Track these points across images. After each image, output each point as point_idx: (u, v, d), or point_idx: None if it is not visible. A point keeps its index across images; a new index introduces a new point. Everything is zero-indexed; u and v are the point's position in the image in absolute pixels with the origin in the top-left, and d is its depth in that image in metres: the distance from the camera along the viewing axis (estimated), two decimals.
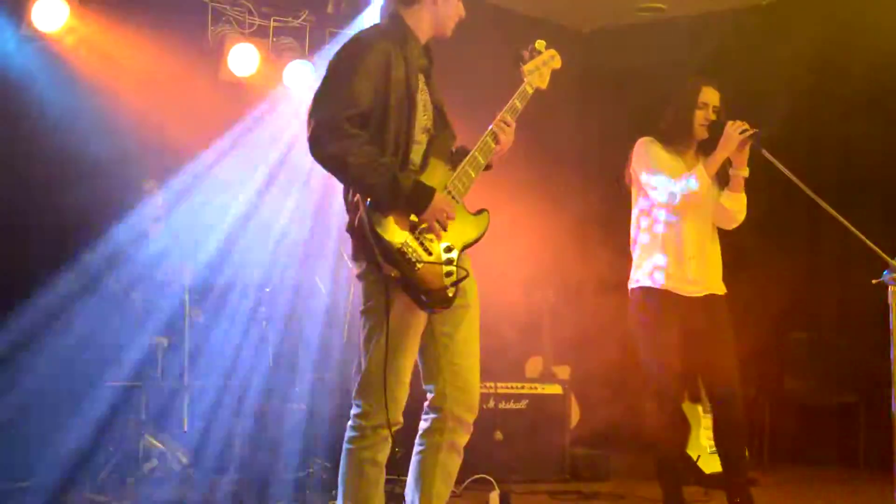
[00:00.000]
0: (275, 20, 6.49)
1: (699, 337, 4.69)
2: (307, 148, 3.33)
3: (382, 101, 3.37)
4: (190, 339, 5.72)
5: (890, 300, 4.20)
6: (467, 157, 3.53)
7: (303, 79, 6.52)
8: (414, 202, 3.32)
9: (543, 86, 3.78)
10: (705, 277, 4.73)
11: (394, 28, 3.51)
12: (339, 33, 6.62)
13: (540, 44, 3.82)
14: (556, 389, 6.49)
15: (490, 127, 3.57)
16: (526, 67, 3.74)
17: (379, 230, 3.28)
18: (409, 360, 3.46)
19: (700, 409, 6.10)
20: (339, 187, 3.52)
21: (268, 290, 6.18)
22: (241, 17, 6.34)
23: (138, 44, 5.86)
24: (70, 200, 5.61)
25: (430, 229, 3.36)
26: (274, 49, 6.48)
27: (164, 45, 5.93)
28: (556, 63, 3.85)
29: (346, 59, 3.41)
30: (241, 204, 6.34)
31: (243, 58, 6.30)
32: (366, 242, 3.33)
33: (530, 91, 3.72)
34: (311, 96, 3.39)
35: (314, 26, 6.65)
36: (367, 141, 3.31)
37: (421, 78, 3.51)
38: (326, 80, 3.41)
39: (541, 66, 3.77)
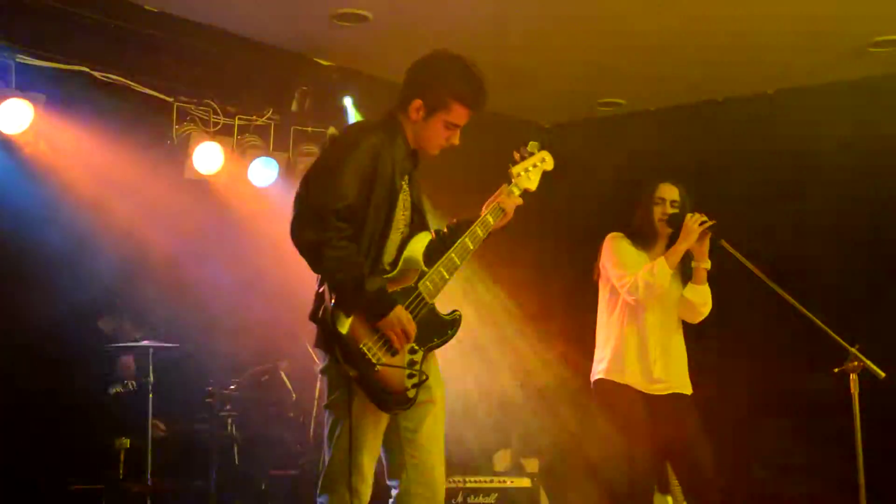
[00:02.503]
0: (239, 119, 6.55)
1: (668, 429, 4.67)
2: (288, 229, 3.33)
3: (366, 196, 3.39)
4: (154, 439, 5.66)
5: (852, 387, 4.25)
6: (442, 259, 3.53)
7: (267, 176, 6.57)
8: (373, 310, 3.33)
9: (532, 188, 3.79)
10: (669, 376, 4.74)
11: (387, 126, 3.55)
12: (304, 131, 6.70)
13: (533, 145, 3.83)
14: (525, 483, 6.43)
15: (470, 227, 3.58)
16: (514, 169, 3.76)
17: (340, 329, 3.29)
18: (373, 454, 3.44)
19: (670, 500, 6.04)
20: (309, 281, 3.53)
21: (233, 387, 6.15)
22: (205, 115, 6.40)
23: (103, 143, 5.88)
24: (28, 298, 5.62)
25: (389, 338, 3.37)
26: (238, 147, 6.53)
27: (128, 143, 5.96)
28: (548, 165, 3.86)
29: (339, 150, 3.44)
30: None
31: (208, 156, 6.34)
32: (328, 336, 3.34)
33: (517, 192, 3.73)
34: (303, 178, 3.40)
35: (278, 124, 6.71)
36: (347, 236, 3.32)
37: (405, 178, 3.53)
38: (319, 168, 3.43)
39: (530, 168, 3.79)
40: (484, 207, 3.69)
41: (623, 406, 4.67)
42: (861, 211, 6.56)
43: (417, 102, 3.51)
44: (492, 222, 3.63)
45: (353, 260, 3.31)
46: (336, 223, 3.29)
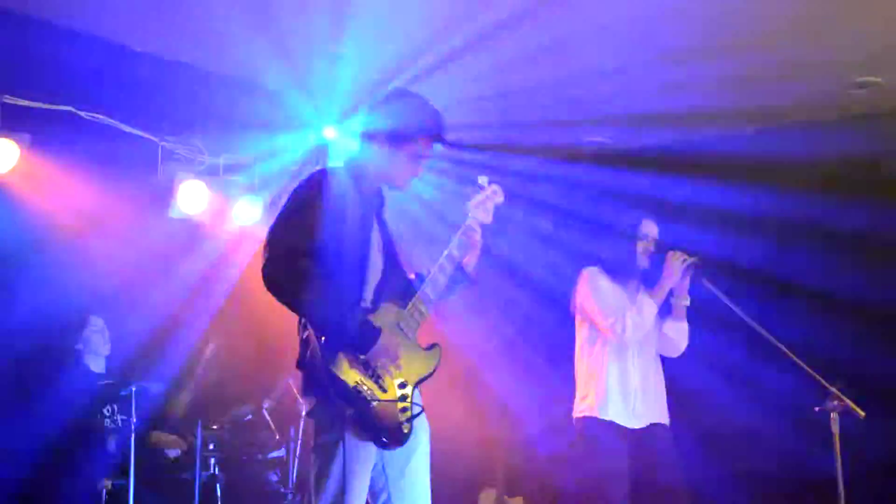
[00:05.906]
0: (224, 158, 6.58)
1: (648, 466, 4.68)
2: (261, 278, 3.36)
3: (337, 238, 3.41)
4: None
5: (832, 426, 4.28)
6: (418, 294, 3.57)
7: (252, 215, 6.59)
8: (360, 341, 3.35)
9: (487, 220, 3.81)
10: (649, 409, 4.75)
11: (351, 169, 3.60)
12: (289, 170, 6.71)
13: (482, 179, 3.89)
14: None
15: (438, 262, 3.63)
16: (469, 203, 3.82)
17: (333, 368, 3.30)
18: (361, 497, 3.43)
19: None
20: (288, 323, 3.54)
21: (216, 427, 6.13)
22: (191, 155, 6.42)
23: (88, 182, 5.90)
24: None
25: (379, 368, 3.38)
26: (224, 186, 6.55)
27: (114, 183, 5.98)
28: (499, 198, 3.91)
29: (304, 193, 3.48)
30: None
31: (193, 195, 6.36)
32: (317, 378, 3.34)
33: (474, 225, 3.78)
34: (269, 227, 3.45)
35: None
36: (320, 275, 3.34)
37: (374, 218, 3.57)
38: (284, 213, 3.48)
39: (484, 202, 3.85)
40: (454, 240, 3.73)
41: (606, 444, 4.66)
42: (841, 249, 6.60)
43: (386, 143, 3.57)
44: (457, 255, 3.67)
45: (332, 295, 3.34)
46: (306, 263, 3.33)
